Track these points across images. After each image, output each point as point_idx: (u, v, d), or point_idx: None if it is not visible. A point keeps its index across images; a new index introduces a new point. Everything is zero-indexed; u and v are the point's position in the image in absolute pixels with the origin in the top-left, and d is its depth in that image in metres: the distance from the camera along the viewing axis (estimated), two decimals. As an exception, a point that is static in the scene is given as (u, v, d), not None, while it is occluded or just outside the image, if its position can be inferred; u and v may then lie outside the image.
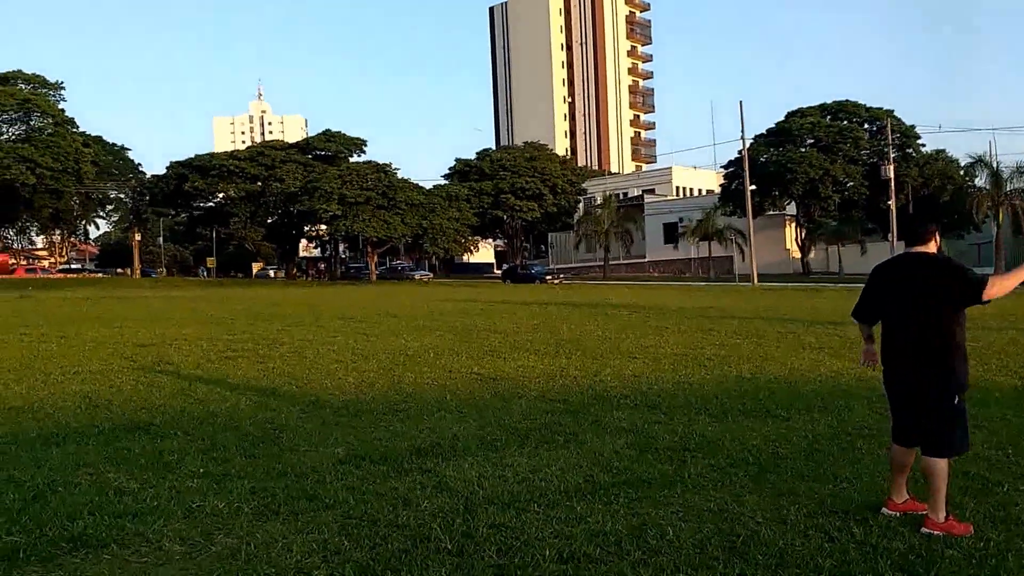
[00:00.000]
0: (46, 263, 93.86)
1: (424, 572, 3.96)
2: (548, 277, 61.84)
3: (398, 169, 70.91)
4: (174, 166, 74.53)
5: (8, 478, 5.61)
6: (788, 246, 70.12)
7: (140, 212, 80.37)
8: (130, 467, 5.94)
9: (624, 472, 5.81)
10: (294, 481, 5.54)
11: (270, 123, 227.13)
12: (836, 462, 6.03)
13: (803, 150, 61.71)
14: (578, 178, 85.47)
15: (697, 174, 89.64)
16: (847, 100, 65.13)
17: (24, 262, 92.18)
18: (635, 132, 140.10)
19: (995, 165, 53.01)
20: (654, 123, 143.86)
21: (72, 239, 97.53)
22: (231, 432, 7.13)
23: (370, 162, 70.79)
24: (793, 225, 68.54)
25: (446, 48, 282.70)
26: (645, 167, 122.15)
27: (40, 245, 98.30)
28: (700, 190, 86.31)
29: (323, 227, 74.05)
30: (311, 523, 4.68)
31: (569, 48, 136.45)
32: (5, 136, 63.75)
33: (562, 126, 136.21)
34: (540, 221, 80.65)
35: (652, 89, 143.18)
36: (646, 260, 76.44)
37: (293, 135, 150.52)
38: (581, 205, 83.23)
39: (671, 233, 74.81)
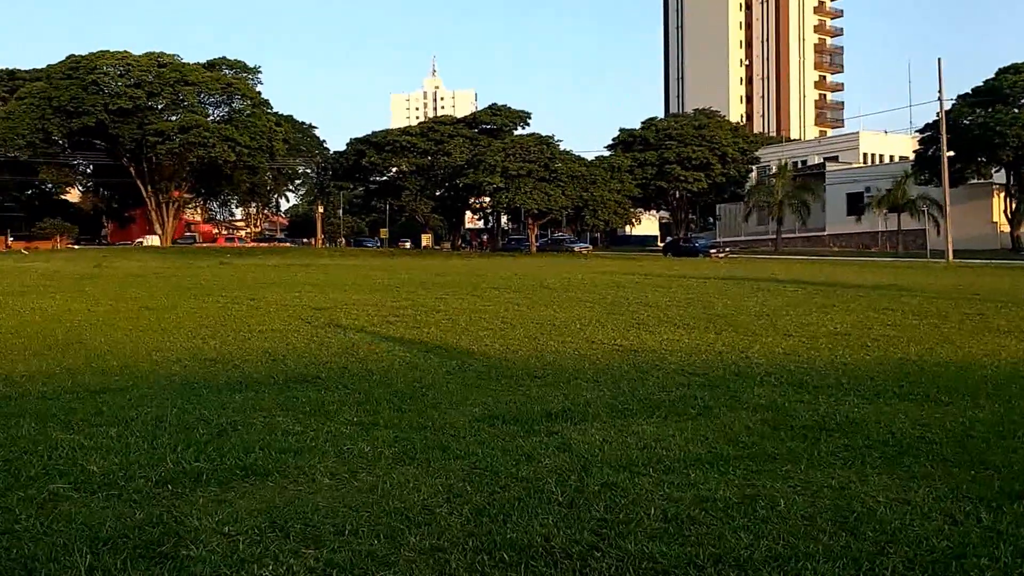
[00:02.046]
0: (242, 233, 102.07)
1: (533, 518, 4.38)
2: (712, 251, 60.39)
3: (560, 141, 71.47)
4: (353, 142, 78.46)
5: (199, 417, 6.67)
6: (995, 219, 64.62)
7: (324, 186, 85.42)
8: (296, 413, 6.83)
9: (750, 447, 5.91)
10: (432, 434, 6.15)
11: (442, 98, 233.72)
12: (988, 449, 5.80)
13: (1016, 111, 56.42)
14: (751, 146, 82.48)
15: (888, 139, 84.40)
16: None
17: (224, 232, 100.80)
18: (819, 95, 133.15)
19: None
20: (842, 84, 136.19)
21: (265, 211, 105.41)
22: (384, 388, 7.90)
23: (533, 135, 71.61)
24: (1002, 195, 62.96)
25: (616, 17, 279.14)
26: (830, 132, 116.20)
27: (238, 216, 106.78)
28: (891, 157, 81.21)
29: (486, 199, 75.83)
30: (440, 470, 5.23)
31: (748, 8, 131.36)
32: (211, 117, 69.49)
33: (737, 91, 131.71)
34: (707, 192, 78.54)
35: (841, 47, 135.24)
36: (825, 233, 72.99)
37: (463, 109, 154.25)
38: (753, 174, 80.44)
39: (855, 204, 70.67)
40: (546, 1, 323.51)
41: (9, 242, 76.95)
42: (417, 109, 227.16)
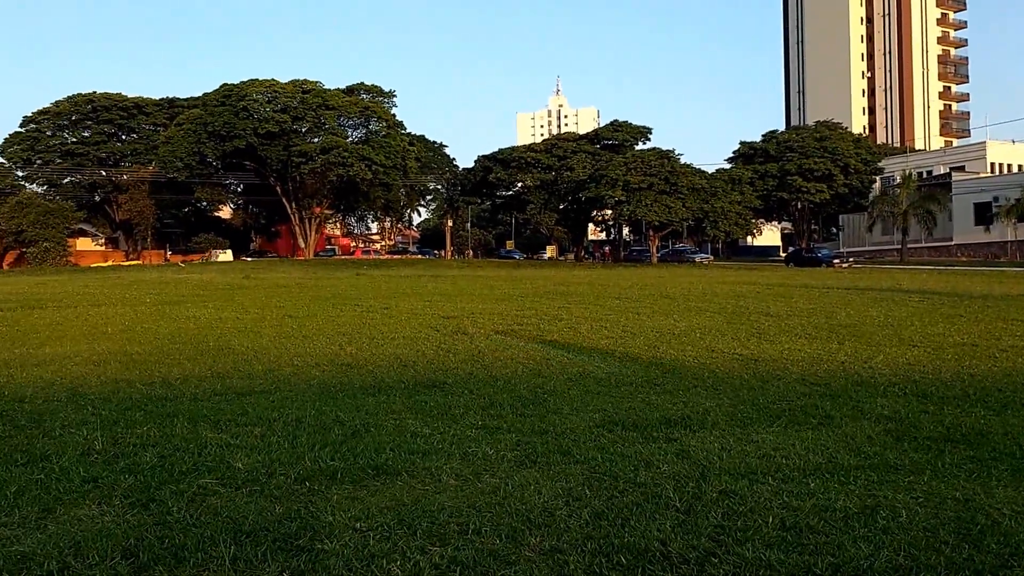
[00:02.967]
0: (377, 245, 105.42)
1: (650, 522, 4.30)
2: (835, 261, 57.98)
3: (681, 155, 70.50)
4: (480, 159, 79.72)
5: (335, 418, 6.85)
6: None
7: (453, 201, 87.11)
8: (424, 416, 6.93)
9: (872, 457, 5.66)
10: (553, 438, 6.12)
11: (566, 116, 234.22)
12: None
13: None
14: (874, 157, 78.90)
15: (1017, 149, 79.09)
16: None
17: (361, 244, 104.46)
18: (944, 105, 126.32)
19: None
20: (967, 94, 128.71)
21: (399, 225, 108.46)
22: (507, 393, 7.92)
23: (654, 149, 70.75)
24: None
25: (736, 33, 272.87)
26: (955, 142, 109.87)
27: (374, 230, 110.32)
28: (1020, 167, 76.10)
29: (608, 212, 75.41)
30: (561, 473, 5.20)
31: (870, 21, 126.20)
32: (350, 139, 72.28)
33: (859, 103, 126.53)
34: (830, 202, 75.75)
35: (966, 58, 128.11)
36: (952, 243, 68.85)
37: (586, 126, 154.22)
38: (877, 185, 76.84)
39: (983, 214, 66.55)
40: (668, 19, 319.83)
41: (168, 255, 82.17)
42: (542, 127, 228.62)
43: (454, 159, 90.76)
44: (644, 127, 75.78)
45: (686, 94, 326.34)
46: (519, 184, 78.75)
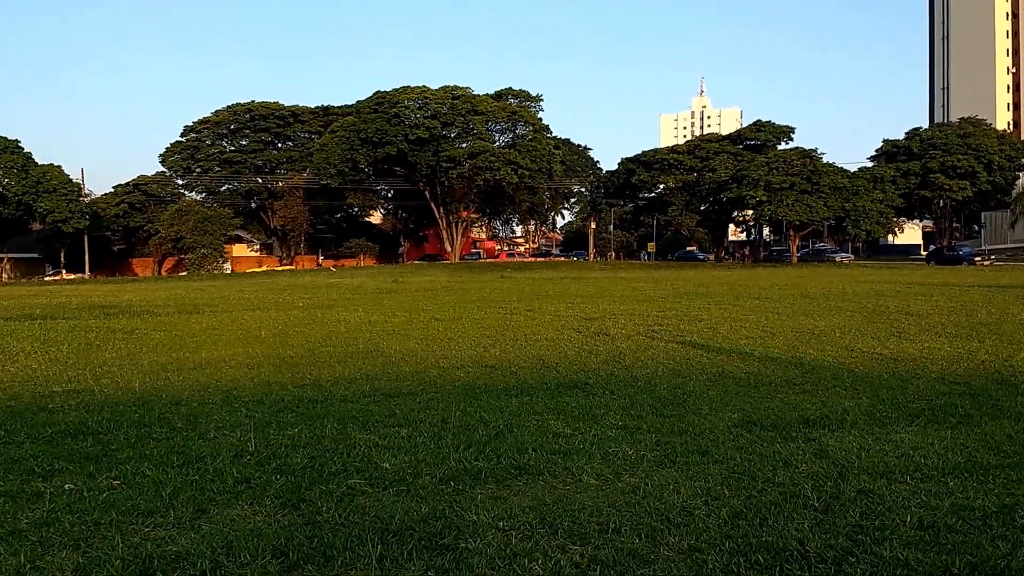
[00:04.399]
0: (521, 248, 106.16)
1: (788, 522, 4.19)
2: (977, 259, 53.63)
3: (824, 154, 67.04)
4: (624, 162, 78.46)
5: (479, 419, 6.76)
6: None
7: (596, 203, 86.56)
8: (566, 417, 6.85)
9: (1011, 455, 5.36)
10: (692, 438, 6.01)
11: (709, 117, 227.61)
12: None
13: None
14: (1018, 153, 72.21)
15: None
16: None
17: (505, 247, 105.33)
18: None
19: None
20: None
21: (543, 228, 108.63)
22: (647, 394, 7.80)
23: (796, 149, 67.77)
24: None
25: (879, 31, 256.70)
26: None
27: (518, 233, 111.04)
28: None
29: (749, 212, 72.81)
30: (700, 473, 5.11)
31: (1015, 16, 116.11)
32: (496, 143, 72.24)
33: (1004, 98, 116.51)
34: (972, 200, 70.00)
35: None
36: (1113, 238, 62.10)
37: (729, 127, 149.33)
38: (1021, 181, 70.30)
39: None
40: (810, 17, 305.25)
41: (320, 260, 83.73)
42: (685, 128, 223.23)
43: (598, 162, 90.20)
44: (787, 127, 72.74)
45: (829, 93, 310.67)
46: (661, 186, 77.30)
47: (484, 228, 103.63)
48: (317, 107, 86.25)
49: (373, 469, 5.25)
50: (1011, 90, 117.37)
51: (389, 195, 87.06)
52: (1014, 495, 4.49)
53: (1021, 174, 71.43)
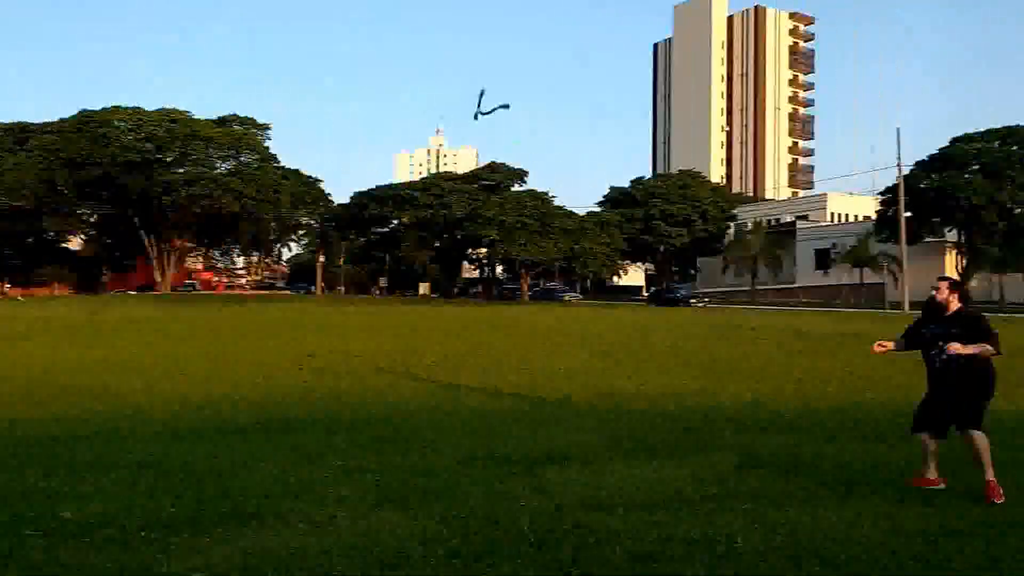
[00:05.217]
0: (243, 281, 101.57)
1: (503, 559, 4.29)
2: (693, 300, 60.68)
3: (555, 197, 72.00)
4: (356, 196, 78.77)
5: (183, 462, 6.36)
6: (948, 272, 65.42)
7: (326, 236, 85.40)
8: (280, 457, 6.59)
9: (716, 486, 5.91)
10: (414, 477, 6.03)
11: (445, 155, 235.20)
12: (931, 488, 5.86)
13: (967, 176, 57.59)
14: (729, 205, 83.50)
15: (853, 200, 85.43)
16: (1018, 125, 60.34)
17: (225, 279, 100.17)
18: (793, 159, 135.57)
19: None
20: (812, 150, 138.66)
21: (267, 260, 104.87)
22: (370, 432, 7.76)
23: (529, 190, 72.21)
24: (954, 253, 64.00)
25: (609, 84, 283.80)
26: (801, 193, 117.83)
27: (240, 265, 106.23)
28: (855, 216, 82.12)
29: (483, 250, 76.10)
30: (419, 513, 5.11)
31: (729, 79, 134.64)
32: (218, 170, 69.50)
33: (718, 154, 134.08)
34: (689, 246, 79.50)
35: (813, 117, 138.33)
36: (795, 286, 73.42)
37: (465, 166, 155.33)
38: (731, 231, 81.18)
39: (823, 259, 71.57)
40: (547, 67, 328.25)
41: (6, 288, 75.77)
42: (421, 165, 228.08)
43: (329, 194, 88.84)
44: (520, 169, 77.18)
45: (562, 139, 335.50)
46: (395, 221, 78.31)
47: (202, 258, 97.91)
48: (11, 123, 77.51)
49: (51, 519, 4.86)
50: (724, 146, 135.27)
51: (92, 220, 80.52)
52: (715, 524, 4.94)
53: (732, 224, 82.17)
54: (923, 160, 61.12)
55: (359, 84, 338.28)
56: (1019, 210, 57.23)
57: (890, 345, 6.08)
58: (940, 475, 5.82)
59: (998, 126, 60.89)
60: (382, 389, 10.91)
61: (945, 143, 61.55)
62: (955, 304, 5.62)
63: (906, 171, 55.22)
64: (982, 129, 60.99)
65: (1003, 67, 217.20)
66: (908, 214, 52.55)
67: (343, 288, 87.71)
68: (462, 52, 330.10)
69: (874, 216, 66.45)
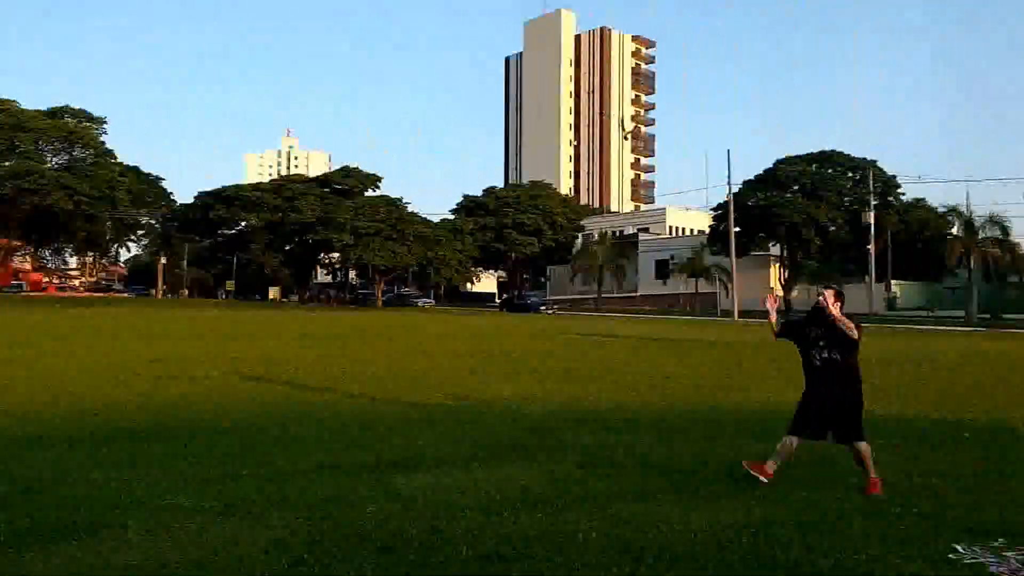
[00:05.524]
0: (76, 282, 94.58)
1: (350, 564, 4.24)
2: (542, 307, 62.07)
3: (409, 203, 71.62)
4: (202, 196, 75.34)
5: (6, 474, 5.93)
6: (772, 284, 70.25)
7: (168, 237, 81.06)
8: (119, 468, 6.23)
9: (564, 486, 6.08)
10: (266, 484, 5.85)
11: (296, 158, 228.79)
12: (756, 481, 6.21)
13: (788, 195, 62.12)
14: (578, 216, 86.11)
15: (689, 215, 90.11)
16: (833, 150, 65.67)
17: (56, 280, 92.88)
18: (635, 175, 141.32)
19: (969, 214, 53.18)
20: (653, 167, 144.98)
21: (103, 261, 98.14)
22: (216, 440, 7.45)
23: (383, 196, 71.48)
24: (778, 265, 68.87)
25: (463, 94, 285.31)
26: (643, 207, 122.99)
27: (73, 265, 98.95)
28: (692, 230, 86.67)
29: (335, 255, 74.62)
30: (267, 521, 4.96)
31: (577, 96, 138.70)
32: (48, 165, 64.43)
33: (567, 167, 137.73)
34: (539, 255, 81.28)
35: (653, 135, 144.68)
36: (637, 294, 76.69)
37: (317, 169, 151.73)
38: (579, 241, 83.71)
39: (662, 269, 75.22)
40: (403, 73, 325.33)
41: None
42: (271, 167, 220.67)
43: (172, 193, 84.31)
44: (374, 175, 76.17)
45: (417, 146, 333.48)
46: (243, 223, 75.35)
47: (30, 258, 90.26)
48: None
49: None
50: (572, 160, 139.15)
51: None
52: (559, 522, 5.09)
53: (580, 234, 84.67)
54: (751, 180, 65.53)
55: (206, 81, 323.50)
56: (833, 228, 62.28)
57: (773, 318, 6.74)
58: (775, 478, 6.17)
59: (815, 151, 66.09)
60: (229, 396, 10.47)
61: (770, 164, 66.29)
62: (837, 311, 6.16)
63: (736, 189, 58.84)
64: (803, 153, 66.11)
65: (821, 92, 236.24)
66: (737, 229, 56.09)
67: (187, 291, 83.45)
68: (317, 55, 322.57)
69: (708, 230, 70.55)
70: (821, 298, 6.25)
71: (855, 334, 6.10)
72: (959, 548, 4.67)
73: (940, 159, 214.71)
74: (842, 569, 4.34)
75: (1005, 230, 51.76)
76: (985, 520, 5.27)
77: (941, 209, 56.91)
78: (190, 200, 77.42)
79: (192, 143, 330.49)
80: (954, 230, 54.65)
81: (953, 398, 11.75)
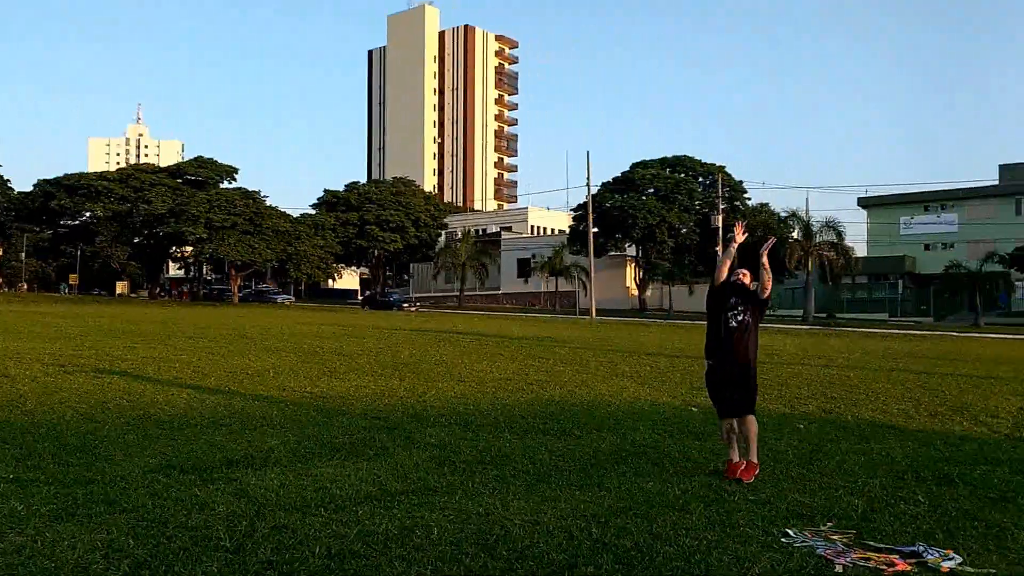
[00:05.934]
0: None
1: (196, 566, 4.10)
2: (405, 305, 61.62)
3: (267, 197, 69.22)
4: (41, 184, 70.06)
5: None
6: (628, 284, 72.88)
7: (4, 228, 74.75)
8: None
9: (417, 482, 6.09)
10: (99, 487, 5.54)
11: (146, 146, 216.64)
12: (605, 474, 6.51)
13: (644, 198, 64.48)
14: (441, 213, 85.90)
15: (551, 215, 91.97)
16: (685, 155, 68.55)
17: None
18: (499, 174, 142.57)
19: (807, 219, 57.20)
20: (516, 166, 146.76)
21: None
22: (51, 441, 6.99)
23: (239, 189, 68.71)
24: (633, 265, 71.35)
25: (325, 86, 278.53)
26: (506, 206, 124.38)
27: None
28: (553, 230, 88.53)
29: (189, 249, 71.11)
30: (103, 525, 4.72)
31: (441, 92, 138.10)
32: None
33: (431, 164, 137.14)
34: (402, 252, 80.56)
35: (516, 135, 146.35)
36: (500, 292, 77.62)
37: (169, 159, 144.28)
38: (442, 238, 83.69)
39: (523, 268, 76.48)
40: (261, 62, 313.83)
41: None
42: (119, 155, 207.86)
43: (8, 181, 77.85)
44: (230, 166, 72.97)
45: (276, 138, 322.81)
46: (88, 214, 70.47)
47: None
48: None
49: None
50: (436, 157, 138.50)
51: None
52: (414, 518, 5.11)
53: (443, 232, 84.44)
54: (608, 182, 67.57)
55: (48, 58, 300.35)
56: (684, 229, 65.26)
57: (733, 248, 6.95)
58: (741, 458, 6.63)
59: (669, 155, 68.91)
60: (68, 394, 9.81)
61: (627, 167, 68.62)
62: (751, 285, 6.87)
63: (595, 190, 60.45)
64: (657, 157, 68.79)
65: (675, 97, 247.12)
66: (596, 230, 57.67)
67: (25, 285, 77.19)
68: (172, 36, 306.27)
69: (568, 230, 72.20)
70: (739, 277, 6.84)
71: (767, 292, 6.75)
72: (791, 532, 5.04)
73: (780, 166, 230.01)
74: (683, 554, 4.58)
75: (839, 234, 56.15)
76: (815, 505, 5.72)
77: (783, 214, 60.82)
78: (29, 188, 71.85)
79: (30, 125, 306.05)
80: (794, 234, 58.62)
81: (793, 391, 12.61)
